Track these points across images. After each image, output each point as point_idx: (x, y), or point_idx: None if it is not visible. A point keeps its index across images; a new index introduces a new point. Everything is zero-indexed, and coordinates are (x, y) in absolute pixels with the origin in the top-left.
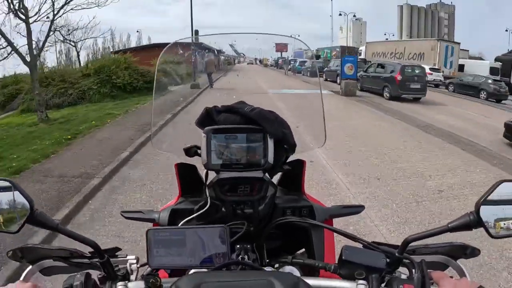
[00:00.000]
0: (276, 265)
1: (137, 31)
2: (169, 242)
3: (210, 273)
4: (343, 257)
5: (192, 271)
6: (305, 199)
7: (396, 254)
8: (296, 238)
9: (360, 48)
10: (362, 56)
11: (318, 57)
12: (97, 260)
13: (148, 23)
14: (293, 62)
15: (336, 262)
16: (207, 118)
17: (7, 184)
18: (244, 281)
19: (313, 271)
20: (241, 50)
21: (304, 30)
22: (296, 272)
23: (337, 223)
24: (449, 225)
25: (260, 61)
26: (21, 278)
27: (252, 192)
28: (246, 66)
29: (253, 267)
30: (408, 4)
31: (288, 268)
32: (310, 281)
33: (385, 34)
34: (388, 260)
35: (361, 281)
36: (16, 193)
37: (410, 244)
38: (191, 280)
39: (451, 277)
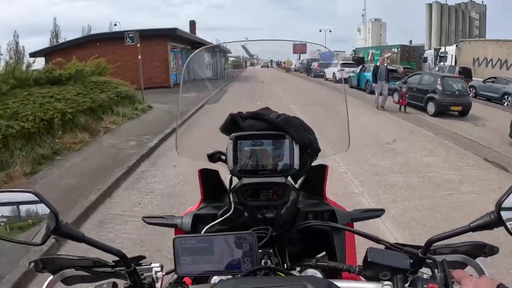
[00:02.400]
0: (298, 269)
1: (115, 24)
2: (196, 249)
3: (244, 279)
4: (368, 259)
5: (215, 277)
6: (327, 204)
7: (420, 255)
8: (317, 242)
9: (441, 49)
10: (449, 63)
11: (361, 60)
12: (121, 269)
13: (158, 25)
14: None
15: (359, 264)
16: (232, 125)
17: (31, 195)
18: (280, 286)
19: (334, 274)
20: (253, 51)
21: (314, 32)
22: (319, 275)
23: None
24: (470, 225)
25: (277, 63)
26: None
27: (274, 197)
28: (259, 70)
29: (283, 272)
30: (438, 2)
31: (310, 271)
32: (339, 284)
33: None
34: (411, 260)
35: (386, 282)
36: (41, 204)
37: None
38: (226, 286)
39: (471, 275)
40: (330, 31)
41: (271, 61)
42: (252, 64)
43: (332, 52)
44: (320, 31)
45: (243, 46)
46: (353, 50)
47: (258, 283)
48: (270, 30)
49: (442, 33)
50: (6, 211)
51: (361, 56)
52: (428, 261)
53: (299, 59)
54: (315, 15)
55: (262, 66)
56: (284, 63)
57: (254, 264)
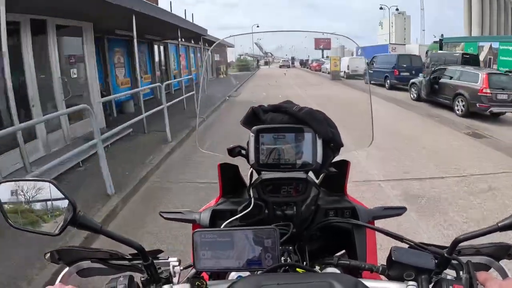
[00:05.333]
0: (318, 267)
1: None
2: (216, 244)
3: (267, 276)
4: (392, 258)
5: (233, 273)
6: (348, 201)
7: (445, 255)
8: (337, 239)
9: None
10: None
11: (475, 59)
12: (139, 262)
13: None
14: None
15: (380, 263)
16: (253, 118)
17: (49, 185)
18: (305, 283)
19: (355, 273)
20: (268, 49)
21: (329, 30)
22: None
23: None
24: (498, 225)
25: (302, 62)
26: (58, 280)
27: (295, 193)
28: (278, 73)
29: (305, 269)
30: None
31: (330, 270)
32: (365, 282)
33: None
34: (436, 260)
35: (411, 283)
36: (59, 194)
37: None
38: (248, 283)
39: (495, 277)
40: (397, 9)
41: (293, 58)
42: (266, 63)
43: (386, 46)
44: (382, 8)
45: (256, 43)
46: (434, 42)
47: (282, 279)
48: (284, 28)
49: (484, 25)
50: (23, 200)
51: (476, 55)
52: (453, 261)
53: (323, 56)
54: (329, 12)
55: (280, 66)
56: (315, 61)
57: (275, 260)
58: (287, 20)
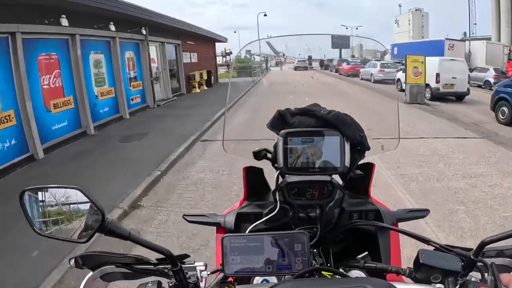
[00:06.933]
0: (342, 269)
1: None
2: (246, 249)
3: (302, 281)
4: (420, 261)
5: (257, 277)
6: (371, 203)
7: (472, 257)
8: (359, 241)
9: None
10: None
11: None
12: (165, 267)
13: None
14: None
15: (406, 266)
16: (280, 121)
17: (77, 192)
18: None
19: (379, 275)
20: (280, 48)
21: (339, 29)
22: (363, 276)
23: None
24: None
25: (323, 64)
26: (82, 285)
27: (320, 196)
28: (293, 77)
29: (338, 273)
30: None
31: (355, 273)
32: (397, 285)
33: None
34: (462, 263)
35: (438, 285)
36: (87, 201)
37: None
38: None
39: None
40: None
41: (310, 58)
42: (278, 64)
43: (439, 42)
44: (400, 5)
45: (267, 42)
46: None
47: (317, 285)
48: (296, 27)
49: None
50: (50, 207)
51: None
52: (478, 263)
53: (341, 55)
54: (339, 12)
55: (296, 68)
56: (345, 62)
57: (305, 265)
58: (297, 19)
